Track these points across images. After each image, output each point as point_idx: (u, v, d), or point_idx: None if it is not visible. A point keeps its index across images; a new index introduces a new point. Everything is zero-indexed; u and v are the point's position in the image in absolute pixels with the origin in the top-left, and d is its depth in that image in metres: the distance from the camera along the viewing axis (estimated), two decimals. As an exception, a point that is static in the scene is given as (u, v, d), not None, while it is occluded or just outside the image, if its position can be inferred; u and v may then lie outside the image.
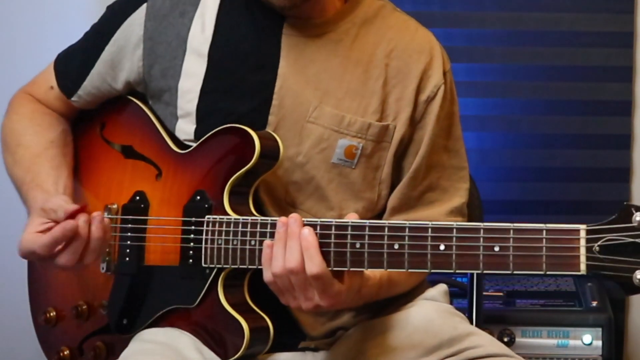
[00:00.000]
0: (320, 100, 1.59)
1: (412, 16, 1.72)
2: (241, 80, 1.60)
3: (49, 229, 1.50)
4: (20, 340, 1.84)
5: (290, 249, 1.40)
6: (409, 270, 1.39)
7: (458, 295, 2.31)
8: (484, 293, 2.19)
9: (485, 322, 2.14)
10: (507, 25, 2.56)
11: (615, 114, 2.54)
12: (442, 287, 1.72)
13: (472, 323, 1.70)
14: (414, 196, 1.63)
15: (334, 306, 1.43)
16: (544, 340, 2.23)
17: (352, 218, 1.43)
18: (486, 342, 1.57)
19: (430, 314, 1.61)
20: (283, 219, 1.42)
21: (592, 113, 2.55)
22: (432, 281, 1.74)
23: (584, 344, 2.21)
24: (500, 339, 2.19)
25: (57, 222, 1.50)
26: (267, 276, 1.43)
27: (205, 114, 1.61)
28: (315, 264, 1.38)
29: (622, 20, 2.53)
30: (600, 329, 2.21)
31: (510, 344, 2.21)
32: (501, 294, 2.37)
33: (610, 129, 2.53)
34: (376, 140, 1.60)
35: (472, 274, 2.05)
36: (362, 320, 1.63)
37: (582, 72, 2.55)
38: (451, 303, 1.71)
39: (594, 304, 2.28)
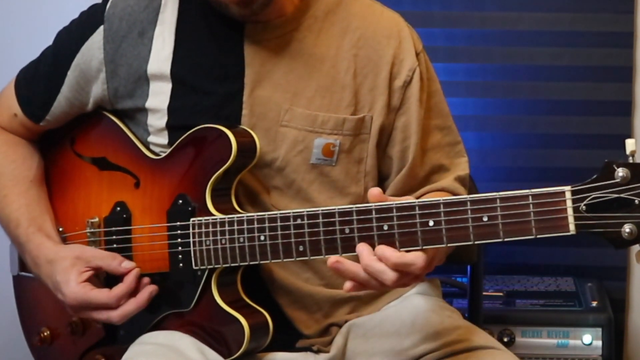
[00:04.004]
0: (290, 102, 1.57)
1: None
2: (208, 95, 1.59)
3: (89, 277, 1.56)
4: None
5: (377, 272, 1.35)
6: (401, 250, 1.38)
7: (458, 295, 2.31)
8: (484, 293, 2.19)
9: (485, 322, 2.14)
10: (507, 25, 2.56)
11: (615, 114, 2.54)
12: (434, 282, 1.71)
13: (472, 323, 1.70)
14: (416, 184, 1.63)
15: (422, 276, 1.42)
16: (544, 340, 2.22)
17: (374, 193, 1.38)
18: (472, 335, 1.57)
19: (418, 308, 1.61)
20: (332, 261, 1.37)
21: (592, 113, 2.54)
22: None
23: (584, 344, 2.20)
24: (500, 339, 2.19)
25: (95, 270, 1.56)
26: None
27: (176, 130, 1.60)
28: (409, 261, 1.34)
29: (622, 20, 2.53)
30: (600, 329, 2.20)
31: (510, 344, 2.21)
32: (501, 294, 2.37)
33: (610, 129, 2.53)
34: (353, 134, 1.59)
35: (472, 274, 2.05)
36: (355, 316, 1.63)
37: (582, 72, 2.54)
38: (451, 303, 1.71)
39: (594, 304, 2.28)
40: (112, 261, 1.57)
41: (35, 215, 1.67)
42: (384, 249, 1.36)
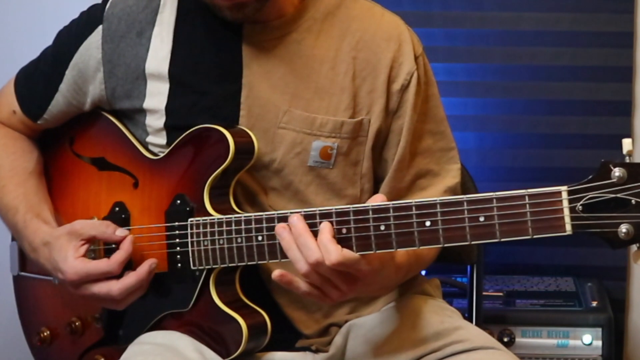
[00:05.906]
0: (289, 104, 1.57)
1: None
2: (206, 95, 1.59)
3: (86, 251, 1.56)
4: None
5: (305, 246, 1.38)
6: (398, 250, 1.38)
7: (458, 295, 2.31)
8: (484, 293, 2.19)
9: (485, 322, 2.13)
10: (507, 25, 2.56)
11: (615, 114, 2.54)
12: (434, 282, 1.72)
13: (472, 323, 1.70)
14: (403, 187, 1.62)
15: (359, 291, 1.42)
16: (544, 340, 2.22)
17: (378, 199, 1.40)
18: (473, 335, 1.56)
19: (419, 308, 1.61)
20: (280, 227, 1.41)
21: (592, 113, 2.54)
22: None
23: (584, 344, 2.21)
24: (500, 339, 2.19)
25: (88, 241, 1.56)
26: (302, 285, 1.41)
27: (174, 130, 1.60)
28: (333, 253, 1.35)
29: (622, 20, 2.53)
30: (600, 329, 2.21)
31: (510, 344, 2.21)
32: (501, 294, 2.37)
33: (610, 129, 2.53)
34: (351, 137, 1.58)
35: (472, 274, 2.05)
36: (355, 316, 1.63)
37: (582, 72, 2.54)
38: (451, 303, 1.71)
39: (594, 304, 2.28)
40: (106, 229, 1.57)
41: (33, 204, 1.67)
42: (324, 224, 1.38)
